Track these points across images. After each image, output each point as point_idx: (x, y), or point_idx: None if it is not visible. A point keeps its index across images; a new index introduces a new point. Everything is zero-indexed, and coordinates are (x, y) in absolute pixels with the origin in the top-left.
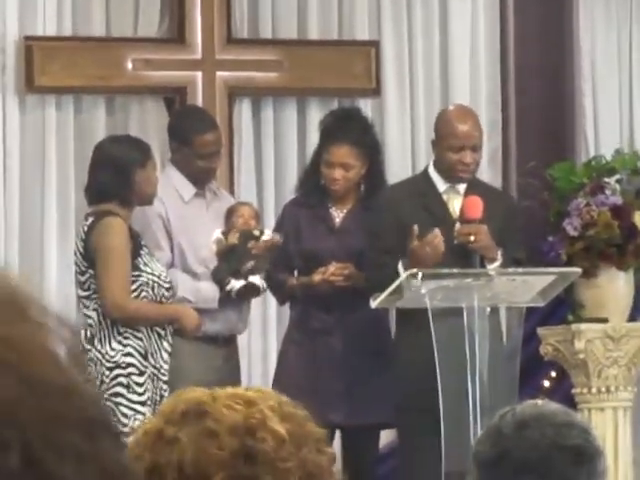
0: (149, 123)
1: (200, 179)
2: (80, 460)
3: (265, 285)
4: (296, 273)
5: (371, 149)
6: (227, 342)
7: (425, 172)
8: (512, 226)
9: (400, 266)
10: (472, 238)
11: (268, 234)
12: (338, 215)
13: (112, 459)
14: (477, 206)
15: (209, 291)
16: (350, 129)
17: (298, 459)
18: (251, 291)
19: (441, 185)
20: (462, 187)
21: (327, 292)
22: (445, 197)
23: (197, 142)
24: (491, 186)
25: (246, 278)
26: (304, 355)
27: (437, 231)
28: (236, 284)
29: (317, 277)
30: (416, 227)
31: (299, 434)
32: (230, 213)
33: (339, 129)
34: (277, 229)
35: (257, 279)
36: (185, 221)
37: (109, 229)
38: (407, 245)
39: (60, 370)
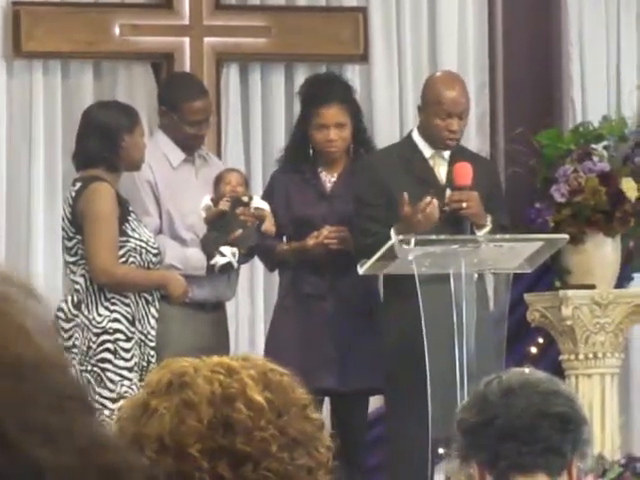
0: (137, 89)
1: (189, 145)
2: (56, 440)
3: (235, 261)
4: (285, 240)
5: (356, 109)
6: (215, 308)
7: (409, 138)
8: (497, 193)
9: (392, 233)
10: (464, 205)
11: (257, 200)
12: (329, 180)
13: (89, 435)
14: (467, 173)
15: (197, 258)
16: (335, 89)
17: (278, 427)
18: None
19: (427, 151)
20: (447, 153)
21: (320, 256)
22: (431, 162)
23: (186, 109)
24: (475, 153)
25: (233, 246)
26: (297, 321)
27: (429, 198)
28: (220, 260)
29: (311, 241)
30: (406, 194)
31: (281, 402)
32: (218, 180)
33: (325, 91)
34: (266, 197)
35: (227, 251)
36: (173, 187)
37: (96, 195)
38: (398, 212)
39: (29, 345)
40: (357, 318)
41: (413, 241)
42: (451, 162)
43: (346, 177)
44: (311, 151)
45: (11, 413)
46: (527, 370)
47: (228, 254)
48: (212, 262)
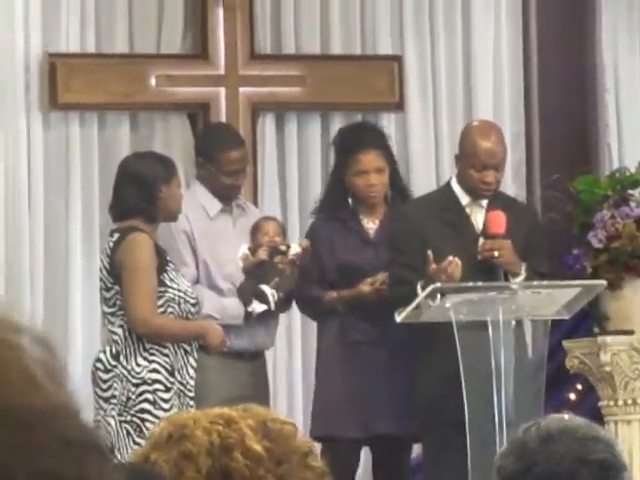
0: (173, 139)
1: (226, 195)
2: None
3: (274, 302)
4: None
5: (391, 155)
6: (254, 357)
7: (448, 186)
8: (536, 240)
9: (419, 287)
10: (496, 254)
11: (295, 248)
12: (371, 227)
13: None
14: (500, 221)
15: (234, 308)
16: (371, 136)
17: (277, 475)
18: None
19: (464, 198)
20: (485, 201)
21: (370, 303)
22: (468, 210)
23: (223, 159)
24: (514, 199)
25: (265, 296)
26: (346, 369)
27: (451, 258)
28: (257, 307)
29: (366, 287)
30: (430, 252)
31: (281, 450)
32: (255, 230)
33: (362, 138)
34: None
35: (268, 289)
36: (210, 237)
37: (135, 245)
38: (425, 269)
39: (37, 393)
40: (409, 364)
41: (439, 296)
42: (488, 209)
43: (388, 223)
44: (349, 199)
45: (21, 462)
46: (566, 416)
47: (268, 293)
48: (249, 309)
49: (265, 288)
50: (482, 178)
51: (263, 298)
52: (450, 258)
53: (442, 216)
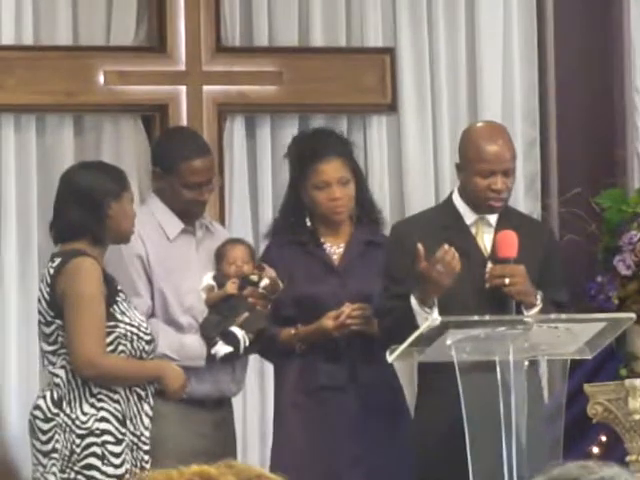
0: (124, 146)
1: (188, 213)
2: None
3: (247, 341)
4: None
5: (356, 166)
6: (218, 405)
7: (449, 201)
8: (553, 264)
9: (412, 299)
10: (507, 281)
11: (267, 278)
12: (335, 252)
13: None
14: (512, 243)
15: (195, 347)
16: (331, 142)
17: None
18: (235, 347)
19: (469, 216)
20: (493, 218)
21: (336, 340)
22: (473, 230)
23: (184, 169)
24: (527, 216)
25: (234, 338)
26: (310, 418)
27: (447, 246)
28: (221, 348)
29: (329, 322)
30: (421, 246)
31: None
32: (220, 256)
33: (320, 145)
34: None
35: (239, 331)
36: (169, 263)
37: (79, 271)
38: (414, 269)
39: None
40: (380, 412)
41: (436, 303)
42: (497, 229)
43: (354, 247)
44: (308, 219)
45: None
46: (591, 464)
47: (239, 336)
48: (213, 351)
49: (236, 330)
50: (489, 185)
51: (230, 339)
52: (446, 246)
53: (443, 237)
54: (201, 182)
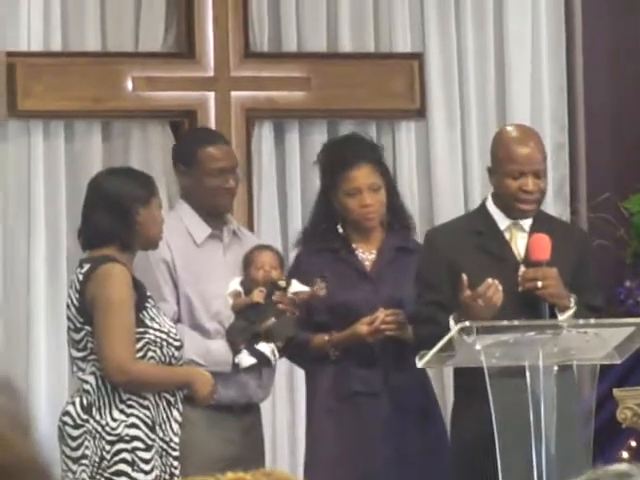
0: (153, 153)
1: (216, 206)
2: None
3: (277, 353)
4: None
5: (387, 171)
6: (245, 411)
7: (483, 207)
8: (587, 267)
9: (451, 320)
10: (539, 284)
11: (296, 285)
12: (367, 258)
13: None
14: (544, 245)
15: (221, 352)
16: (361, 148)
17: None
18: (262, 359)
19: (502, 221)
20: (527, 223)
21: (370, 346)
22: (507, 235)
23: (203, 157)
24: (562, 221)
25: (269, 340)
26: (344, 424)
27: (490, 280)
28: (245, 359)
29: (363, 327)
30: (465, 276)
31: None
32: (248, 262)
33: (350, 152)
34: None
35: (266, 347)
36: (195, 268)
37: (109, 278)
38: (458, 297)
39: (2, 448)
40: (413, 417)
41: (475, 330)
42: (532, 232)
43: (386, 253)
44: (339, 226)
45: None
46: (625, 466)
47: (267, 353)
48: (236, 360)
49: (263, 347)
50: (521, 186)
51: (257, 355)
52: (489, 280)
53: (477, 243)
54: (223, 168)
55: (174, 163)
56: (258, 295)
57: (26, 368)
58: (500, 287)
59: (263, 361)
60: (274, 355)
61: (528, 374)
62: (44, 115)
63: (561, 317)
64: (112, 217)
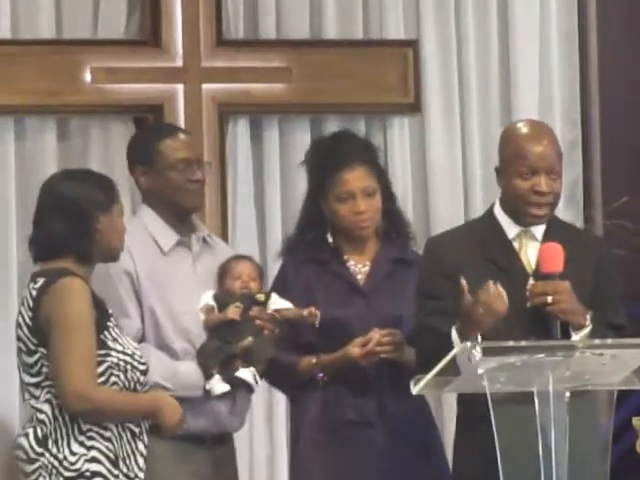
0: (114, 152)
1: (181, 203)
2: None
3: (258, 377)
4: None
5: (382, 173)
6: (218, 443)
7: (490, 214)
8: (607, 281)
9: (453, 331)
10: (550, 299)
11: (276, 299)
12: (359, 270)
13: None
14: (556, 256)
15: (191, 375)
16: (355, 147)
17: None
18: (241, 387)
19: (511, 229)
20: (539, 230)
21: (363, 370)
22: (516, 244)
23: (162, 149)
24: (578, 228)
25: (248, 364)
26: (333, 458)
27: (490, 284)
28: (217, 386)
29: (355, 350)
30: (464, 281)
31: None
32: (223, 272)
33: (343, 152)
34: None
35: (247, 373)
36: (161, 279)
37: (67, 293)
38: (457, 304)
39: None
40: (411, 448)
41: (479, 348)
42: (544, 241)
43: (382, 265)
44: (329, 234)
45: None
46: None
47: (248, 379)
48: (207, 386)
49: (243, 374)
50: (532, 187)
51: (236, 384)
52: (490, 284)
53: (483, 253)
54: (187, 158)
55: (130, 167)
56: (234, 312)
57: None
58: (504, 293)
59: (243, 388)
60: (256, 381)
61: (537, 401)
62: None
63: (575, 336)
64: (69, 225)
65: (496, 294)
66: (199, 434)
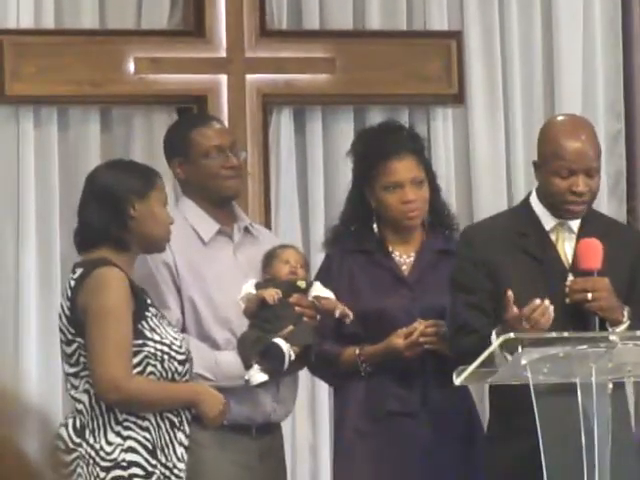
0: (158, 143)
1: (219, 190)
2: None
3: (293, 356)
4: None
5: (429, 164)
6: (264, 432)
7: (526, 204)
8: None
9: (494, 335)
10: (589, 296)
11: (318, 287)
12: (404, 261)
13: None
14: (595, 252)
15: (232, 363)
16: (403, 138)
17: None
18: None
19: (548, 221)
20: (575, 223)
21: (408, 361)
22: (553, 237)
23: (195, 138)
24: (615, 221)
25: (278, 354)
26: (377, 448)
27: (538, 301)
28: (255, 376)
29: (399, 340)
30: (511, 293)
31: None
32: (269, 258)
33: (391, 141)
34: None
35: (283, 342)
36: (201, 269)
37: (103, 283)
38: (502, 312)
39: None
40: (455, 441)
41: (520, 348)
42: (580, 236)
43: (426, 256)
44: (375, 224)
45: None
46: None
47: (284, 349)
48: (246, 376)
49: (280, 342)
50: (570, 187)
51: (273, 353)
52: (537, 301)
53: (520, 244)
54: (221, 145)
55: (168, 160)
56: (269, 293)
57: (14, 385)
58: (551, 307)
59: (280, 359)
60: (289, 356)
61: (580, 392)
62: (35, 100)
63: (613, 332)
64: (103, 213)
65: (542, 310)
66: (245, 423)
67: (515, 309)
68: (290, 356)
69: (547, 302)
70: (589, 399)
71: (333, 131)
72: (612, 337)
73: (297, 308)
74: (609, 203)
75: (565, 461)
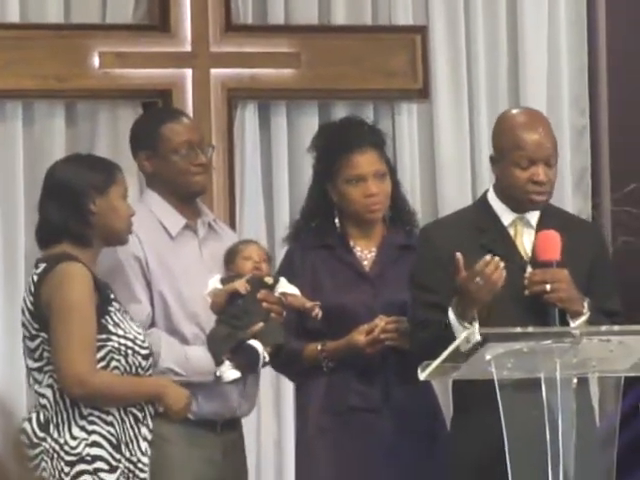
0: (123, 137)
1: (186, 186)
2: None
3: (266, 356)
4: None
5: (389, 160)
6: (228, 428)
7: (484, 200)
8: (603, 268)
9: (450, 311)
10: (548, 287)
11: (284, 284)
12: (366, 256)
13: None
14: (554, 244)
15: (203, 359)
16: (365, 132)
17: None
18: (251, 357)
19: (506, 216)
20: (534, 217)
21: (369, 357)
22: (512, 231)
23: (165, 133)
24: (572, 215)
25: (252, 352)
26: (339, 444)
27: (488, 257)
28: (227, 373)
29: (361, 337)
30: (459, 255)
31: None
32: (232, 255)
33: (353, 135)
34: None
35: (258, 344)
36: (170, 263)
37: (66, 278)
38: (453, 280)
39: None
40: (417, 437)
41: (476, 317)
42: (540, 229)
43: (388, 251)
44: (337, 219)
45: None
46: None
47: (259, 351)
48: (217, 373)
49: (254, 344)
50: (531, 177)
51: (247, 354)
52: (487, 257)
53: (479, 241)
54: (190, 141)
55: (134, 151)
56: (241, 284)
57: None
58: (502, 264)
59: (253, 361)
60: (263, 357)
61: (544, 387)
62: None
63: (573, 324)
64: (63, 208)
65: (494, 265)
66: (211, 419)
67: (464, 272)
68: (264, 357)
69: (497, 258)
70: (553, 394)
71: (298, 126)
72: (575, 331)
73: (264, 304)
74: (574, 198)
75: (529, 456)
